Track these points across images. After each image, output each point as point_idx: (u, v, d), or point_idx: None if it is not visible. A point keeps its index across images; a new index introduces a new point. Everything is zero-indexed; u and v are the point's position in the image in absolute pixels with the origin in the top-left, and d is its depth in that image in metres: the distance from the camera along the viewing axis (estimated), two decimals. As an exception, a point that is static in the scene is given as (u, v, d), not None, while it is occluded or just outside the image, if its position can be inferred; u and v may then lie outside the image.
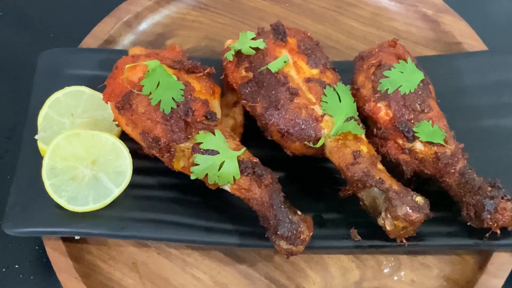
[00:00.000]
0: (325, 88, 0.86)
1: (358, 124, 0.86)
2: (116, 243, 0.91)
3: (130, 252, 0.91)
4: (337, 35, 1.13)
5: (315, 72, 0.88)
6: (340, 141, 0.84)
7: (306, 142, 0.84)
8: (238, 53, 0.90)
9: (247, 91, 0.87)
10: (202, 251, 0.90)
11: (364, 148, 0.84)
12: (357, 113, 0.88)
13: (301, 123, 0.84)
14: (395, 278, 0.88)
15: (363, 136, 0.85)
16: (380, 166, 0.83)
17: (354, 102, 0.88)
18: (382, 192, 0.80)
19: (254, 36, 0.90)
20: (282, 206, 0.80)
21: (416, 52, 1.09)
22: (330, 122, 0.84)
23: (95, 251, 0.91)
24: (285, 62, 0.87)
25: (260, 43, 0.88)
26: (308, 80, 0.86)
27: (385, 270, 0.88)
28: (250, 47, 0.88)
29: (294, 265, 0.89)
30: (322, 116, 0.85)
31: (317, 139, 0.84)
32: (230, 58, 0.90)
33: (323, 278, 0.88)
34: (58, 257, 0.88)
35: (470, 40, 1.08)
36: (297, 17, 1.15)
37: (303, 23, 1.14)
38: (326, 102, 0.85)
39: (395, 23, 1.15)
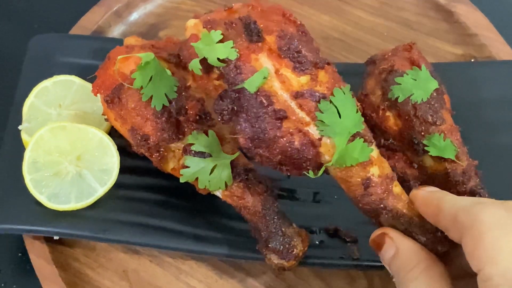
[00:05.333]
0: (319, 102, 0.70)
1: (365, 140, 0.71)
2: (105, 249, 0.88)
3: (120, 259, 0.87)
4: (344, 26, 1.11)
5: (304, 80, 0.71)
6: (345, 170, 0.72)
7: (305, 172, 0.73)
8: (205, 60, 0.72)
9: (224, 109, 0.71)
10: (198, 258, 0.87)
11: (375, 170, 0.72)
12: (363, 125, 0.73)
13: (295, 153, 0.70)
14: (405, 287, 0.85)
15: (373, 152, 0.73)
16: (396, 189, 0.74)
17: (358, 112, 0.72)
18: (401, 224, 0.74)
19: (221, 37, 0.71)
20: (275, 217, 0.77)
21: (427, 45, 1.06)
22: (330, 146, 0.70)
23: (83, 258, 0.87)
24: (265, 78, 0.69)
25: (230, 52, 0.70)
26: (297, 95, 0.70)
27: (394, 279, 0.84)
28: (218, 59, 0.70)
29: (297, 273, 0.86)
30: (320, 139, 0.70)
31: (318, 167, 0.73)
32: (198, 72, 0.71)
33: (328, 287, 0.85)
34: (42, 265, 0.85)
35: (486, 32, 1.06)
36: (300, 6, 1.12)
37: (306, 13, 1.11)
38: (322, 121, 0.69)
39: (406, 13, 1.13)
